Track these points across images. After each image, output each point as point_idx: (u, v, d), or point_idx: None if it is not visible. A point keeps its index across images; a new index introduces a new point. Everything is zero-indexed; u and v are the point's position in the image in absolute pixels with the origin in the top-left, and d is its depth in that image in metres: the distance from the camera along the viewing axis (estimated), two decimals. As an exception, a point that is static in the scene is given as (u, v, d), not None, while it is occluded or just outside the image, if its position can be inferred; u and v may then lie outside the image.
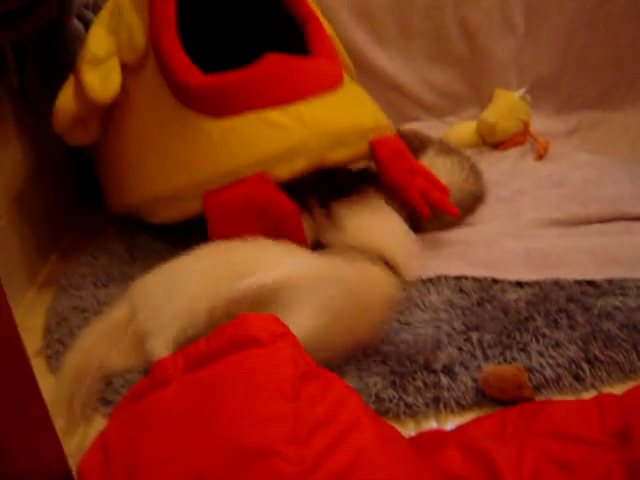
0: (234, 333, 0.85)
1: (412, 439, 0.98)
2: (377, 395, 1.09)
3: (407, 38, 2.25)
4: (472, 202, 1.66)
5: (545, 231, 1.55)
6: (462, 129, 2.13)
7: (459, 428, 1.01)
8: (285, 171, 1.38)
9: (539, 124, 2.14)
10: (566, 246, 1.45)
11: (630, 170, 1.83)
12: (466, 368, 1.14)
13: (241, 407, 0.76)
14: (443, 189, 1.52)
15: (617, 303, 1.26)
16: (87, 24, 1.58)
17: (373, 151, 1.46)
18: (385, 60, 2.26)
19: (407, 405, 1.08)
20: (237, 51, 1.78)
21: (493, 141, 2.08)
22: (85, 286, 1.46)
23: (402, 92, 2.29)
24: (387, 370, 1.13)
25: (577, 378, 1.12)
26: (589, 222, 1.56)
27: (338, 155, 1.42)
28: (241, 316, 0.88)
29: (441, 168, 1.65)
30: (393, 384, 1.10)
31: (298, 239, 1.36)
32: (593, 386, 1.11)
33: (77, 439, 1.09)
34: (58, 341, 1.31)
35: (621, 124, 2.19)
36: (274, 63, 1.46)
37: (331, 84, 1.51)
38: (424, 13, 2.21)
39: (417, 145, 1.79)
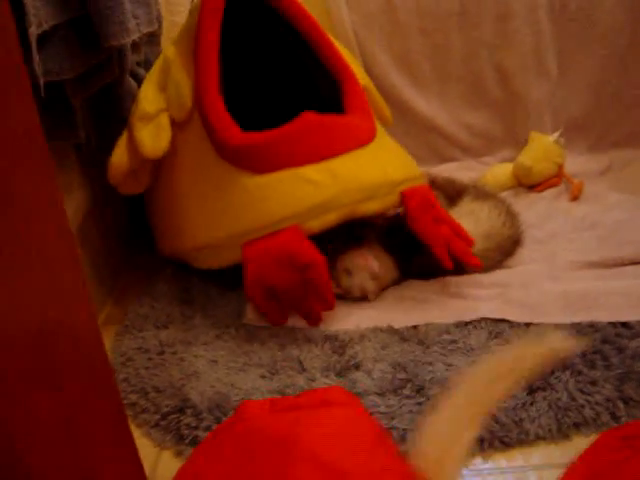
0: (319, 396, 0.90)
1: None
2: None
3: (444, 82, 2.33)
4: (511, 245, 1.69)
5: (580, 273, 1.58)
6: (499, 171, 2.17)
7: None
8: (317, 224, 1.46)
9: (572, 163, 2.18)
10: (600, 288, 1.48)
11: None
12: (509, 407, 1.18)
13: (330, 437, 0.80)
14: (468, 240, 1.57)
15: (650, 344, 1.29)
16: (139, 81, 1.68)
17: (403, 202, 1.54)
18: (422, 103, 2.34)
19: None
20: (277, 103, 1.86)
21: (529, 183, 2.12)
22: (147, 327, 1.53)
23: (439, 133, 2.37)
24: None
25: (614, 417, 1.16)
26: (622, 264, 1.59)
27: (369, 207, 1.50)
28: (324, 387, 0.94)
29: (479, 214, 1.70)
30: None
31: (323, 286, 1.45)
32: (628, 426, 1.16)
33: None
34: (124, 380, 1.37)
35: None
36: (310, 122, 1.53)
37: (364, 139, 1.58)
38: (460, 59, 2.29)
39: (453, 193, 1.84)
